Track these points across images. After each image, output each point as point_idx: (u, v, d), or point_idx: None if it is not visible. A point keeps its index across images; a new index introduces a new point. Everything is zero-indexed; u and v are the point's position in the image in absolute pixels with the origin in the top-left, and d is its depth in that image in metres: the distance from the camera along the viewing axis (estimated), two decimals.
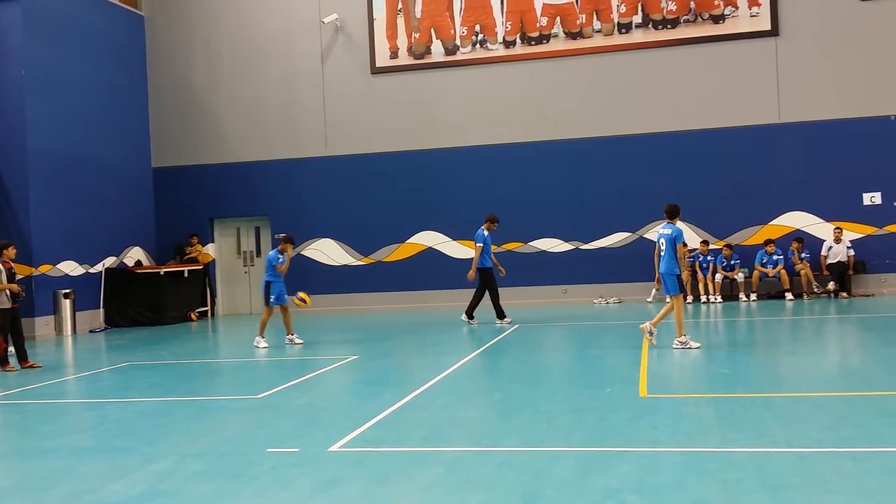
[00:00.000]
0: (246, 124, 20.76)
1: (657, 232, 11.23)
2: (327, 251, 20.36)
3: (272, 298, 13.29)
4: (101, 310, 18.64)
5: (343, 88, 20.24)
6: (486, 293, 15.27)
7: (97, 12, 19.35)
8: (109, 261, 19.12)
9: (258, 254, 21.13)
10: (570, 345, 12.52)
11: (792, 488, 5.02)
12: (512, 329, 14.26)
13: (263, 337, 13.31)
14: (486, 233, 15.23)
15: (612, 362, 10.29)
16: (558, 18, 19.27)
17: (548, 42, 19.34)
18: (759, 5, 18.21)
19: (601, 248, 18.86)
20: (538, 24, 19.37)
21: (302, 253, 20.41)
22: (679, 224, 11.08)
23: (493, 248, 16.44)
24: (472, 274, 15.23)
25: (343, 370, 10.70)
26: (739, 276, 17.73)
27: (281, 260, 13.42)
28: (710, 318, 15.11)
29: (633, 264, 18.50)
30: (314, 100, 20.38)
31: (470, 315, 15.33)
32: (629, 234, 18.75)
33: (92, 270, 18.54)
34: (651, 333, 11.04)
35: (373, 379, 9.98)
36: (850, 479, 5.15)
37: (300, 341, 13.39)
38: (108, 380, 11.05)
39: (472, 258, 15.36)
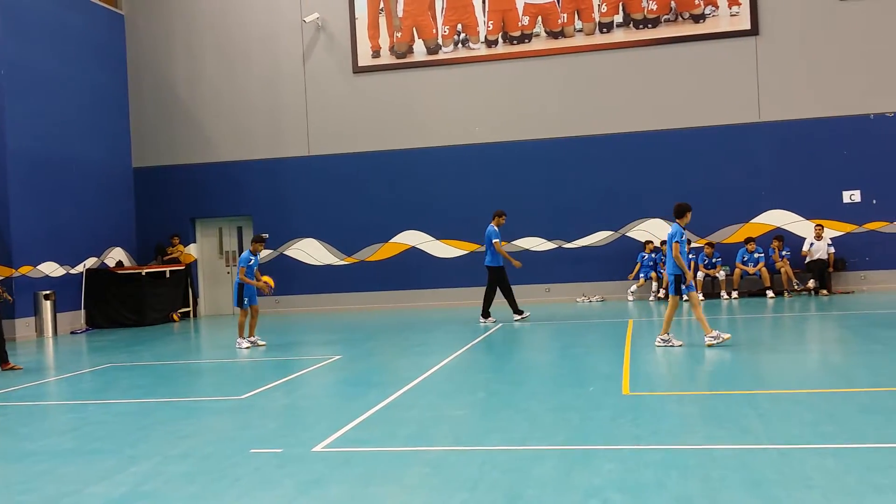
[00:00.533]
0: (228, 124, 20.67)
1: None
2: (310, 251, 20.31)
3: (245, 301, 13.22)
4: (83, 311, 18.50)
5: (325, 88, 20.20)
6: (495, 289, 15.18)
7: (76, 11, 19.20)
8: (90, 261, 18.98)
9: (241, 254, 21.02)
10: (553, 343, 12.55)
11: (774, 485, 5.06)
12: (496, 328, 14.28)
13: (244, 338, 13.25)
14: (496, 228, 15.17)
15: (594, 360, 10.33)
16: (540, 18, 19.32)
17: (529, 41, 19.38)
18: (738, 5, 18.33)
19: (583, 246, 18.92)
20: (520, 24, 19.40)
21: (285, 253, 20.36)
22: (681, 223, 10.81)
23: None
24: (517, 263, 15.28)
25: (327, 370, 10.68)
26: (721, 275, 17.85)
27: (253, 262, 13.29)
28: (692, 317, 15.16)
29: (616, 263, 18.60)
30: (296, 99, 20.32)
31: (517, 312, 15.15)
32: (611, 232, 18.83)
33: (73, 271, 18.40)
34: (716, 338, 10.66)
35: (357, 379, 9.96)
36: (832, 476, 5.19)
37: (263, 343, 13.34)
38: (90, 381, 10.97)
39: (502, 255, 15.10)
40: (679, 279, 10.77)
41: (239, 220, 21.01)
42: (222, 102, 20.68)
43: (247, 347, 13.05)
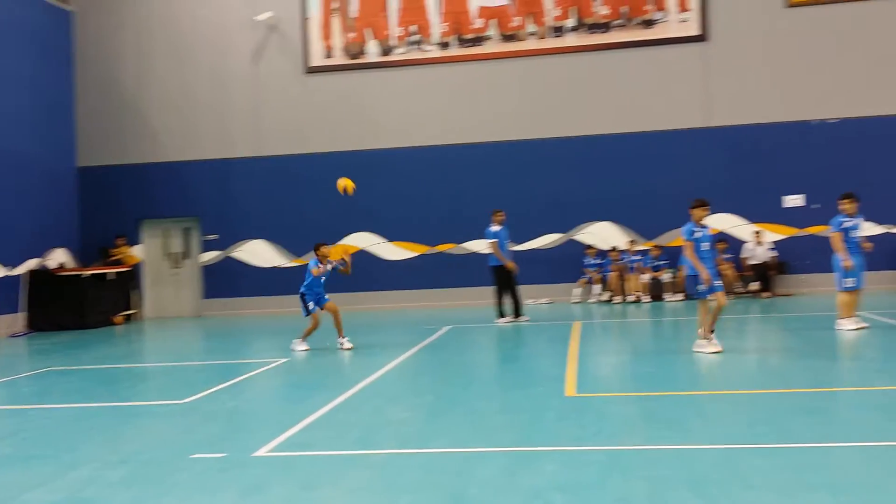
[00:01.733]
0: (177, 123, 20.38)
1: None
2: (259, 252, 20.12)
3: (311, 306, 12.32)
4: (23, 313, 18.04)
5: (277, 87, 20.03)
6: (503, 287, 14.95)
7: (23, 6, 18.76)
8: (31, 262, 18.52)
9: (187, 256, 20.75)
10: (502, 345, 12.60)
11: (714, 484, 5.13)
12: (444, 330, 14.28)
13: (304, 340, 12.39)
14: (495, 228, 15.01)
15: (541, 362, 10.40)
16: (493, 20, 19.40)
17: (483, 44, 19.45)
18: (688, 11, 18.63)
19: (532, 249, 19.03)
20: (473, 26, 19.47)
21: (231, 255, 20.13)
22: (694, 219, 10.19)
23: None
24: (510, 265, 14.86)
25: (273, 373, 10.58)
26: (666, 277, 18.10)
27: (322, 265, 12.38)
28: (637, 318, 15.38)
29: (564, 265, 18.74)
30: (247, 99, 20.11)
31: (516, 314, 14.98)
32: (560, 235, 18.99)
33: (12, 273, 17.94)
34: (709, 341, 10.11)
35: (303, 382, 9.88)
36: (767, 475, 5.29)
37: (350, 345, 12.33)
38: (28, 386, 10.70)
39: (492, 255, 14.94)
40: (696, 278, 10.02)
41: (186, 222, 20.71)
42: (171, 101, 20.38)
43: (303, 350, 12.21)
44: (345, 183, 12.47)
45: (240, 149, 20.14)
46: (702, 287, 10.04)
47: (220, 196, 20.18)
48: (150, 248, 20.93)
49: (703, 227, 10.20)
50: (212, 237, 20.15)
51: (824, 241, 17.91)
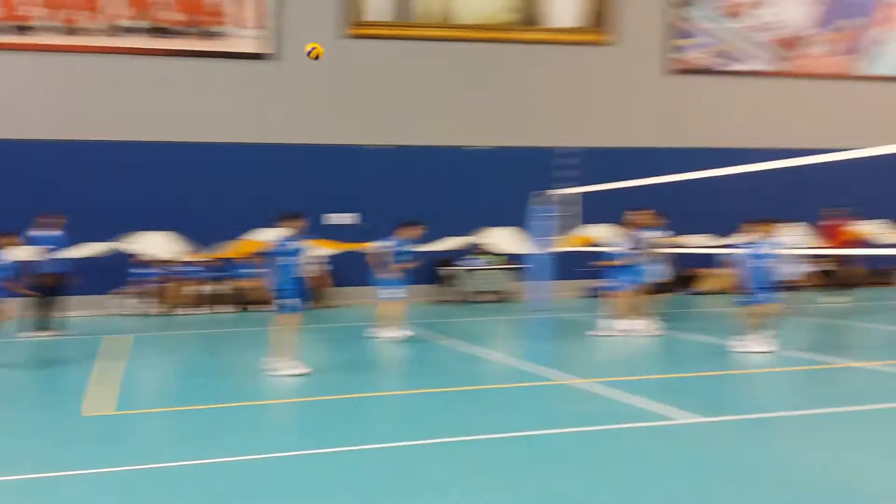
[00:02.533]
0: None
1: None
2: None
3: None
4: None
5: None
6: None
7: None
8: None
9: None
10: (28, 362, 11.35)
11: (233, 498, 5.17)
12: None
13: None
14: (46, 233, 14.06)
15: (68, 380, 9.76)
16: (55, 12, 17.61)
17: (37, 33, 17.56)
18: (257, 28, 18.81)
19: (76, 258, 17.41)
20: (28, 13, 17.45)
21: None
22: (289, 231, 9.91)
23: None
24: (24, 280, 13.15)
25: None
26: (220, 288, 17.99)
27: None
28: (187, 330, 15.04)
29: (109, 275, 17.51)
30: None
31: (48, 328, 13.69)
32: (106, 244, 17.84)
33: None
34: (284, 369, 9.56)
35: None
36: (300, 482, 5.56)
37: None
38: None
39: (43, 262, 13.85)
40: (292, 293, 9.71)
41: None
42: None
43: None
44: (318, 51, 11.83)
45: None
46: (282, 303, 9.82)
47: None
48: None
49: (290, 240, 9.94)
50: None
51: (362, 256, 19.32)
